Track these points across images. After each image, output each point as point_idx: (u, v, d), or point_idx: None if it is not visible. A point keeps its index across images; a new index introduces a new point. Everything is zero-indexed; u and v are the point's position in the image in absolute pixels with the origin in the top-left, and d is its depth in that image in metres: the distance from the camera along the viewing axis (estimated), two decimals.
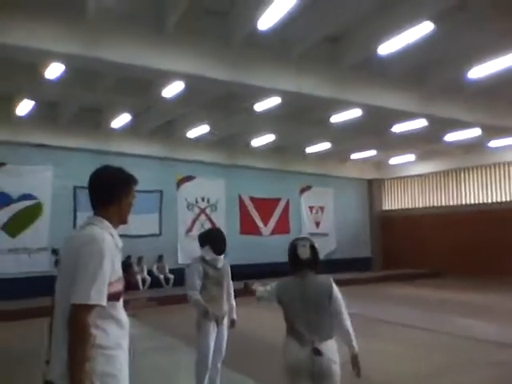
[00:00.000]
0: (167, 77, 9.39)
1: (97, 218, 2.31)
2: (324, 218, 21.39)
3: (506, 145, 15.93)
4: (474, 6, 7.47)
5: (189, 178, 17.70)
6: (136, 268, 14.80)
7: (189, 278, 4.82)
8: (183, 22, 7.93)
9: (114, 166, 2.44)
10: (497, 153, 17.19)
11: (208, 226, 17.55)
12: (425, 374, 6.16)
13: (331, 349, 3.20)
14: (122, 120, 13.33)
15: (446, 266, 18.29)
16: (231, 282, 5.13)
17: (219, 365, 4.82)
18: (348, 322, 3.34)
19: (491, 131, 13.86)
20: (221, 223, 18.14)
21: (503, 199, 17.79)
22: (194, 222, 17.66)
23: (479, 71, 9.53)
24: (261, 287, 3.68)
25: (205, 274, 4.76)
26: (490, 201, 18.27)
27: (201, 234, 5.12)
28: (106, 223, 2.30)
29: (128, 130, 14.41)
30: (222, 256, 4.96)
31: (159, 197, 16.85)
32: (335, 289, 3.37)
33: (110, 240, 2.21)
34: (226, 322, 4.86)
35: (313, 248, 3.42)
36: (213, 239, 4.93)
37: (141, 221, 15.24)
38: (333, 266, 19.27)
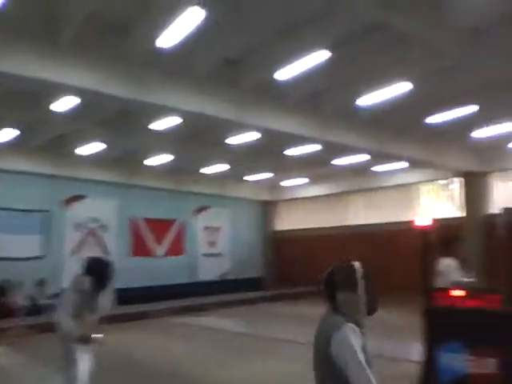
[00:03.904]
0: (59, 90, 8.83)
1: None
2: (219, 239, 21.39)
3: (387, 170, 17.20)
4: (368, 39, 7.95)
5: (79, 198, 16.77)
6: (15, 293, 13.58)
7: (63, 303, 4.57)
8: (80, 35, 7.52)
9: None
10: (380, 177, 18.46)
11: (97, 248, 16.71)
12: None
13: None
14: (7, 134, 12.26)
15: None
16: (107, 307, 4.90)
17: None
18: None
19: (377, 157, 14.86)
20: (111, 245, 17.38)
21: (384, 221, 19.05)
22: (82, 243, 16.69)
23: (367, 100, 10.14)
24: None
25: (80, 302, 4.54)
26: (372, 222, 19.47)
27: (86, 262, 4.84)
28: None
29: (14, 145, 13.29)
30: (107, 288, 4.77)
31: (44, 217, 15.71)
32: (340, 341, 2.17)
33: None
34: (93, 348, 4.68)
35: (329, 277, 2.43)
36: (96, 272, 4.70)
37: (21, 242, 14.11)
38: (226, 286, 19.52)
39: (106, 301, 4.85)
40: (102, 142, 13.20)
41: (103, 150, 13.83)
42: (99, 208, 17.21)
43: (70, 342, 4.46)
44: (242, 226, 22.11)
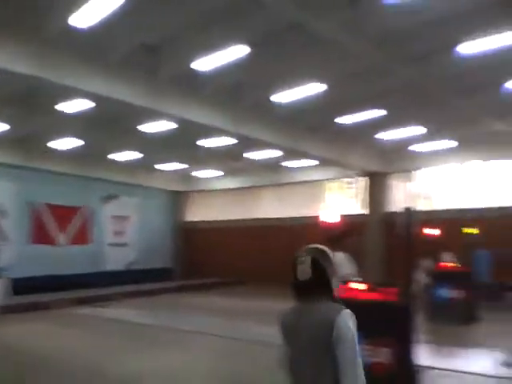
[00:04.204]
0: None
1: None
2: (127, 228, 20.84)
3: (297, 166, 17.73)
4: (286, 38, 8.11)
5: None
6: None
7: None
8: None
9: None
10: (290, 173, 18.98)
11: None
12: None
13: None
14: None
15: (243, 276, 19.37)
16: None
17: None
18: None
19: (289, 153, 15.26)
20: (10, 230, 16.31)
21: (293, 215, 19.63)
22: None
23: (283, 97, 10.37)
24: None
25: None
26: (282, 216, 19.99)
27: None
28: None
29: None
30: None
31: None
32: (342, 325, 2.15)
33: None
34: None
35: (316, 263, 2.31)
36: None
37: None
38: (134, 276, 19.11)
39: None
40: (4, 122, 12.28)
41: (5, 130, 12.86)
42: None
43: None
44: (152, 216, 21.72)
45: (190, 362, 7.68)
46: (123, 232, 20.67)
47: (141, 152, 16.32)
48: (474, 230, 12.98)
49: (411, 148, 14.87)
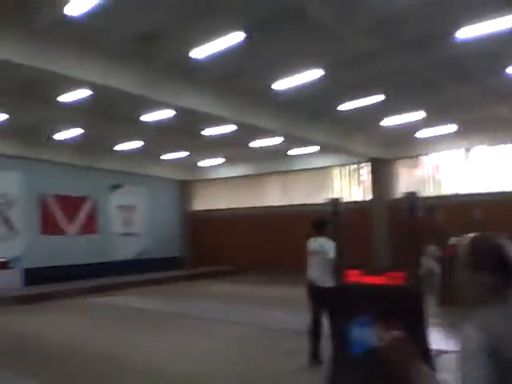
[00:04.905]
0: None
1: None
2: (135, 218, 21.02)
3: (301, 153, 17.73)
4: (283, 24, 8.09)
5: None
6: None
7: None
8: None
9: None
10: (294, 160, 18.98)
11: (2, 224, 15.87)
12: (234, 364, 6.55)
13: None
14: None
15: (250, 264, 19.48)
16: None
17: None
18: None
19: (291, 140, 15.26)
20: (18, 221, 16.57)
21: (297, 202, 19.66)
22: None
23: (283, 84, 10.36)
24: None
25: None
26: (288, 203, 20.03)
27: None
28: None
29: None
30: None
31: None
32: None
33: None
34: None
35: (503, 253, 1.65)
36: None
37: None
38: (144, 265, 19.28)
39: None
40: (4, 112, 12.43)
41: (7, 121, 13.01)
42: (4, 183, 16.27)
43: None
44: (159, 205, 21.86)
45: (212, 347, 7.75)
46: (131, 221, 20.86)
47: (145, 141, 16.43)
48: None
49: (414, 134, 14.79)
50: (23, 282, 15.81)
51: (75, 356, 7.47)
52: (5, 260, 15.41)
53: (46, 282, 15.21)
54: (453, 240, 12.33)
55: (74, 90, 10.30)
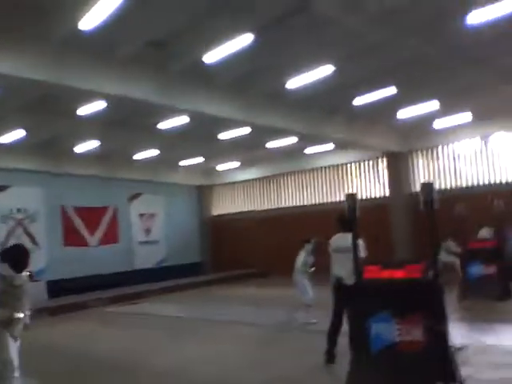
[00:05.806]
0: None
1: None
2: (155, 226, 21.18)
3: (317, 152, 17.68)
4: (291, 22, 8.11)
5: (1, 188, 16.02)
6: None
7: None
8: None
9: None
10: (310, 159, 18.93)
11: (25, 239, 16.10)
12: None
13: None
14: None
15: (270, 266, 19.42)
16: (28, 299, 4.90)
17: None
18: None
19: (307, 139, 15.23)
20: (41, 235, 16.81)
21: (317, 201, 19.60)
22: (9, 235, 16.01)
23: (296, 82, 10.33)
24: None
25: (2, 290, 4.63)
26: (306, 203, 19.98)
27: (1, 251, 5.13)
28: None
29: None
30: (24, 273, 4.86)
31: None
32: None
33: None
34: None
35: None
36: (11, 256, 4.83)
37: None
38: (164, 273, 19.38)
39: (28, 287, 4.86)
40: (24, 129, 12.62)
41: (27, 137, 13.22)
42: (25, 197, 16.52)
43: None
44: (178, 212, 22.00)
45: (237, 351, 7.72)
46: (151, 229, 21.02)
47: (161, 149, 16.54)
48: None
49: (430, 125, 14.64)
50: (47, 293, 16.02)
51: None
52: (31, 273, 15.62)
53: (70, 293, 15.39)
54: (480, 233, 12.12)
55: (91, 102, 10.44)
